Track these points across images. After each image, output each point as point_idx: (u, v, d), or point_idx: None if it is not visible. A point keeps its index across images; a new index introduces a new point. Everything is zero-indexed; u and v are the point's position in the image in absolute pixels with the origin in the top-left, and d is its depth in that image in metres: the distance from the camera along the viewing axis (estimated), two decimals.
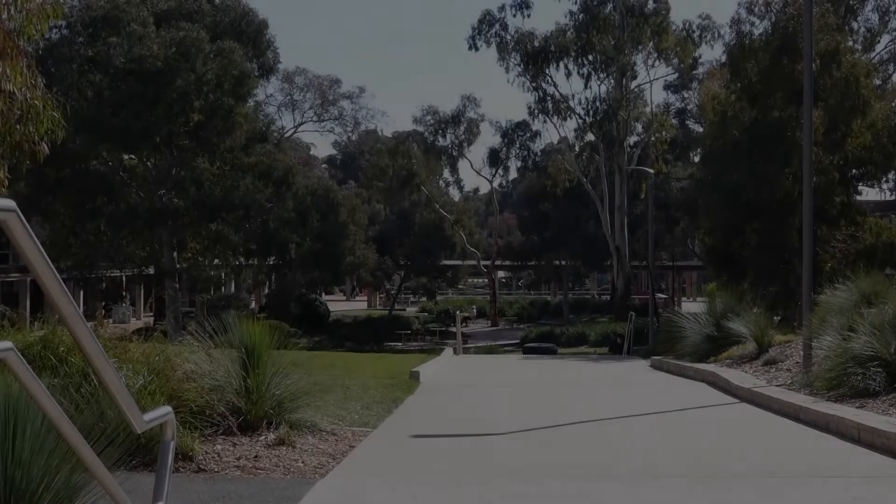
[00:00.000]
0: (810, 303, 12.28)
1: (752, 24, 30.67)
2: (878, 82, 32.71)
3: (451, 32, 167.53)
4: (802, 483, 6.42)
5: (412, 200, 68.63)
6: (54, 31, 35.59)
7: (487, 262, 69.50)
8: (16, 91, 8.62)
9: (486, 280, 75.03)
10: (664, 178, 57.20)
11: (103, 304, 41.41)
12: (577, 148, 55.03)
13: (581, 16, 49.84)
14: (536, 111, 52.81)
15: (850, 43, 29.42)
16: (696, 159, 53.99)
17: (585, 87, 51.67)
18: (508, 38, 51.59)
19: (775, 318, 20.53)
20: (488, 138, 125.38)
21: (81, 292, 41.62)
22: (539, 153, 63.30)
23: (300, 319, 47.39)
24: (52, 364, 7.16)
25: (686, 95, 58.44)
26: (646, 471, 7.01)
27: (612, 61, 50.40)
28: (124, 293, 46.96)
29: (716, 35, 49.50)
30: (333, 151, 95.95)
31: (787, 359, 13.29)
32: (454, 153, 64.79)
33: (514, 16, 53.01)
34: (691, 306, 30.34)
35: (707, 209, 27.91)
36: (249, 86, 38.48)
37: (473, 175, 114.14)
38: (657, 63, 53.07)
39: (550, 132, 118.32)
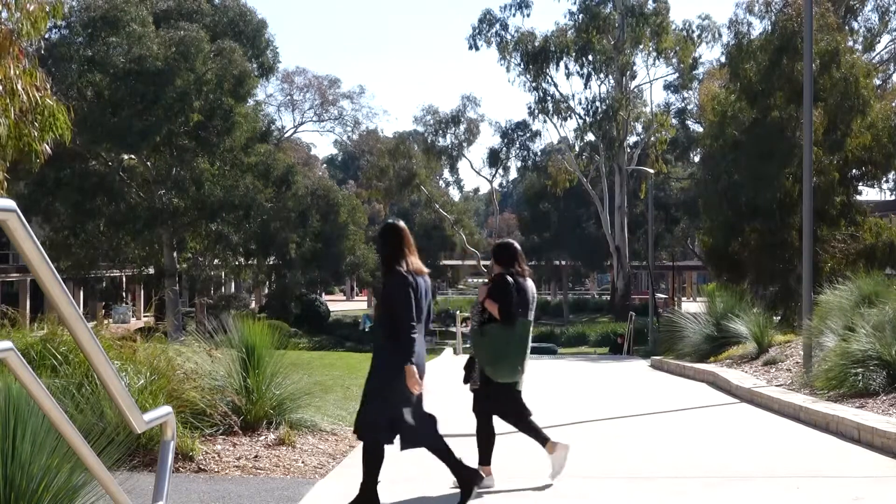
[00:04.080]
0: (810, 303, 12.28)
1: (751, 24, 30.73)
2: (878, 82, 32.69)
3: (452, 32, 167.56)
4: (803, 483, 6.42)
5: (412, 200, 68.63)
6: (54, 31, 35.58)
7: (487, 263, 69.44)
8: (21, 91, 8.62)
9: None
10: (664, 178, 57.19)
11: (104, 304, 41.41)
12: (577, 148, 55.00)
13: (581, 16, 49.85)
14: (536, 111, 52.82)
15: (850, 43, 29.37)
16: (696, 159, 54.05)
17: (585, 86, 51.72)
18: (509, 37, 51.60)
19: (775, 318, 20.52)
20: (488, 138, 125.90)
21: (81, 292, 41.60)
22: (539, 153, 63.29)
23: (300, 319, 47.37)
24: (52, 364, 7.16)
25: (686, 95, 58.40)
26: (645, 471, 7.01)
27: (611, 61, 50.42)
28: (124, 293, 46.95)
29: (716, 35, 49.54)
30: (334, 151, 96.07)
31: (787, 359, 13.29)
32: (454, 153, 64.74)
33: (515, 15, 53.02)
34: (691, 306, 30.39)
35: (707, 209, 27.89)
36: (249, 86, 38.43)
37: (473, 175, 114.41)
38: (657, 63, 53.13)
39: (550, 132, 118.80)
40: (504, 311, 6.22)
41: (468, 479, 5.69)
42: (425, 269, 5.69)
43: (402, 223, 5.74)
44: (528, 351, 6.40)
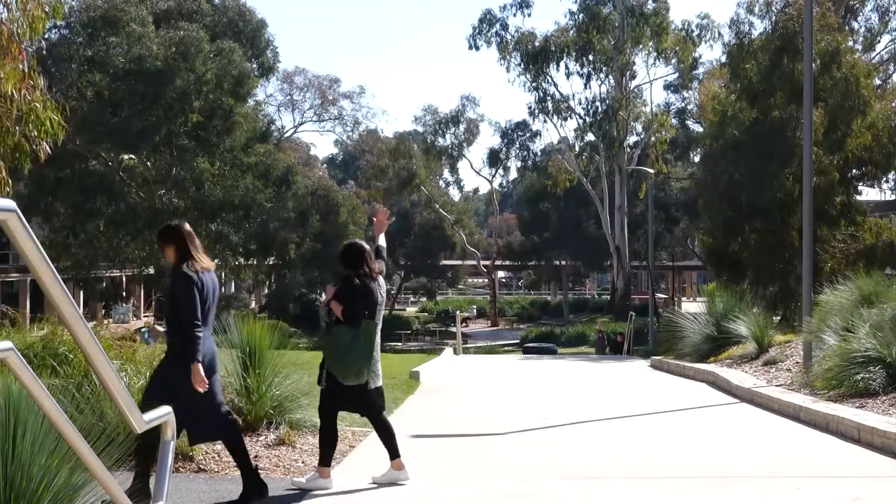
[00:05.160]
0: (810, 303, 12.27)
1: (752, 24, 30.73)
2: (878, 82, 32.69)
3: (452, 32, 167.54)
4: (803, 483, 6.42)
5: (412, 200, 68.65)
6: (54, 31, 35.60)
7: (487, 262, 69.50)
8: (14, 92, 8.59)
9: (486, 280, 75.03)
10: (664, 178, 57.21)
11: (104, 304, 41.40)
12: (577, 148, 55.04)
13: (581, 16, 49.88)
14: (537, 111, 52.86)
15: (851, 43, 29.35)
16: (696, 159, 54.06)
17: (585, 86, 51.77)
18: (509, 37, 51.64)
19: (775, 318, 20.50)
20: (488, 138, 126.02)
21: (81, 292, 41.60)
22: (539, 153, 63.36)
23: (300, 319, 47.38)
24: (52, 364, 7.16)
25: (686, 95, 58.45)
26: (645, 471, 7.01)
27: (611, 61, 50.45)
28: (123, 293, 46.96)
29: (715, 35, 49.59)
30: (334, 151, 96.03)
31: (787, 359, 13.28)
32: (454, 153, 64.82)
33: (515, 15, 53.14)
34: (691, 306, 30.39)
35: (707, 209, 27.87)
36: (249, 86, 38.46)
37: (473, 175, 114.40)
38: (657, 63, 53.17)
39: (550, 132, 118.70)
40: (348, 312, 6.22)
41: (250, 492, 5.75)
42: (212, 266, 5.77)
43: (186, 225, 5.80)
44: (375, 352, 6.37)
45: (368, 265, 6.41)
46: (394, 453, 6.39)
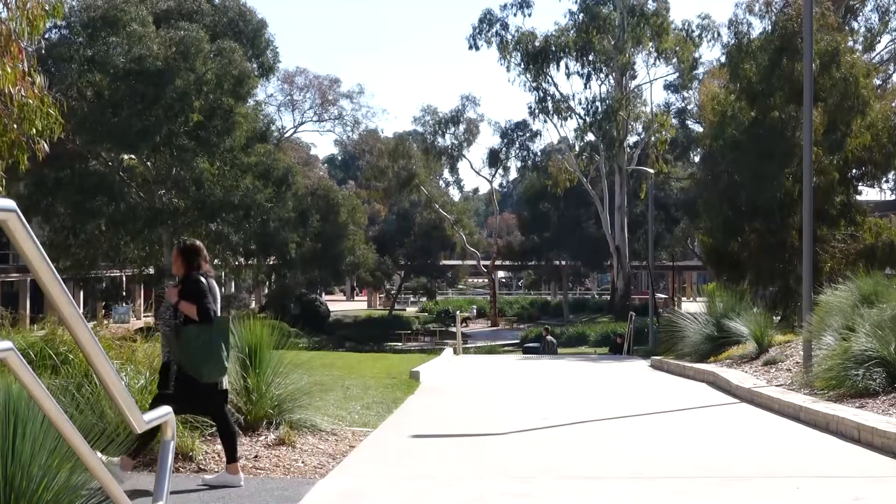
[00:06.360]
0: (810, 303, 12.26)
1: (751, 24, 30.73)
2: (878, 82, 32.67)
3: (452, 32, 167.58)
4: (803, 483, 6.42)
5: (412, 200, 68.67)
6: (54, 31, 35.59)
7: (487, 262, 69.49)
8: (10, 88, 8.56)
9: (486, 280, 75.02)
10: (664, 178, 57.19)
11: (104, 304, 41.38)
12: (577, 148, 55.04)
13: (581, 16, 49.88)
14: (537, 111, 52.85)
15: (851, 43, 29.34)
16: (696, 159, 54.07)
17: (585, 86, 51.75)
18: (509, 37, 51.65)
19: (775, 318, 20.50)
20: (488, 138, 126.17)
21: (81, 292, 41.60)
22: (539, 153, 63.37)
23: (300, 319, 47.42)
24: (52, 364, 7.16)
25: (686, 95, 58.45)
26: (645, 471, 7.01)
27: (612, 61, 50.45)
28: (124, 293, 46.95)
29: (715, 35, 49.58)
30: (334, 151, 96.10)
31: (787, 359, 13.28)
32: (454, 153, 64.80)
33: (515, 15, 53.12)
34: (691, 306, 30.35)
35: (707, 209, 27.87)
36: (249, 86, 38.46)
37: (473, 175, 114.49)
38: (657, 63, 53.15)
39: (550, 132, 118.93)
40: (202, 310, 6.20)
41: None
42: None
43: None
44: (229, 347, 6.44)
45: (204, 264, 6.49)
46: (232, 458, 6.36)
